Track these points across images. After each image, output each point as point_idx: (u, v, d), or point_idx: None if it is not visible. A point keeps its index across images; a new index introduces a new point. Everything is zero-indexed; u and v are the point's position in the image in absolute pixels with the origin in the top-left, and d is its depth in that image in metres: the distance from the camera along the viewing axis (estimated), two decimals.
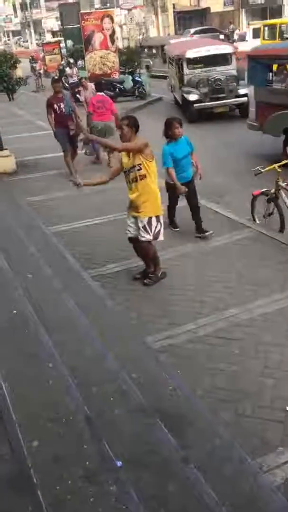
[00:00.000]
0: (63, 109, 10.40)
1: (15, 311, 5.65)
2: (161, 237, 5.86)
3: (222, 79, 15.88)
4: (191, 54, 16.84)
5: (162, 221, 5.82)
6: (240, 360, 4.56)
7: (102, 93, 11.99)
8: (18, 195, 9.90)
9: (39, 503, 3.30)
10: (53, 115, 10.59)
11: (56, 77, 10.09)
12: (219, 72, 16.38)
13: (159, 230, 5.79)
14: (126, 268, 6.45)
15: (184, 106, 16.66)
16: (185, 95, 16.24)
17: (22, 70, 25.68)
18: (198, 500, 3.24)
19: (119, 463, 3.53)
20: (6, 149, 11.86)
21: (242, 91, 15.85)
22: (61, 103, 10.37)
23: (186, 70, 16.85)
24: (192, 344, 4.85)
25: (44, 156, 12.88)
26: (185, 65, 16.86)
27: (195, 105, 15.96)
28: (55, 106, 10.39)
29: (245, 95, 15.74)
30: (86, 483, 3.40)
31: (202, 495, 3.26)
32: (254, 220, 7.58)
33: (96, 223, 8.07)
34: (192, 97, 16.01)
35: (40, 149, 13.73)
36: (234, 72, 16.43)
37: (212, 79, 15.90)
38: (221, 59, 16.83)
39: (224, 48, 17.21)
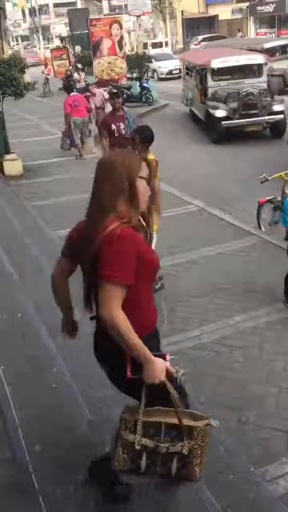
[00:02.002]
0: (123, 130, 8.20)
1: (19, 314, 5.65)
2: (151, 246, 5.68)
3: (255, 93, 13.79)
4: (217, 64, 14.79)
5: (155, 236, 5.67)
6: (244, 368, 4.54)
7: (76, 93, 13.88)
8: (24, 199, 9.93)
9: (40, 508, 3.28)
10: (107, 138, 8.30)
11: (115, 91, 7.89)
12: (248, 85, 14.44)
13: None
14: None
15: (209, 123, 14.59)
16: (211, 111, 14.14)
17: (30, 75, 25.89)
18: (200, 508, 3.21)
19: None
20: (14, 152, 11.92)
21: (277, 107, 13.82)
22: (121, 123, 8.23)
23: (210, 82, 14.86)
24: (195, 351, 4.83)
25: (50, 161, 12.94)
26: (209, 76, 14.89)
27: (223, 122, 13.73)
28: (113, 126, 8.19)
29: (281, 112, 13.79)
30: (87, 488, 3.38)
31: (204, 502, 3.24)
32: (260, 227, 7.57)
33: None
34: (220, 113, 13.81)
35: (47, 153, 13.79)
36: (265, 86, 14.64)
37: (244, 93, 13.74)
38: (251, 71, 15.18)
39: (255, 58, 15.30)
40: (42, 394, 4.34)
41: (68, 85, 15.10)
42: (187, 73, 18.00)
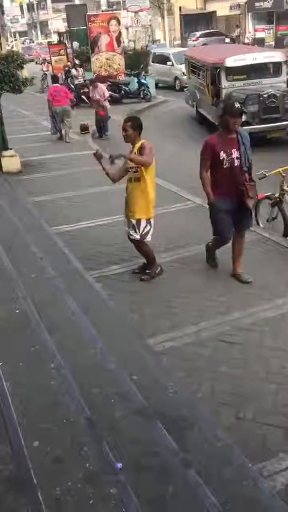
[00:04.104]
0: (236, 161, 5.64)
1: (17, 311, 5.65)
2: (148, 238, 6.01)
3: (277, 95, 12.37)
4: (232, 62, 13.33)
5: (152, 223, 5.98)
6: (242, 364, 4.55)
7: (57, 84, 15.04)
8: (22, 195, 9.92)
9: (39, 504, 3.28)
10: (208, 171, 5.83)
11: (238, 105, 5.64)
12: (266, 85, 13.03)
13: (148, 231, 5.96)
14: (129, 269, 6.44)
15: None
16: None
17: (28, 70, 25.81)
18: (198, 504, 3.23)
19: (119, 465, 3.52)
20: (11, 149, 11.90)
21: None
22: (234, 150, 5.62)
23: (224, 83, 13.40)
24: (193, 347, 4.83)
25: (48, 156, 12.93)
26: (223, 76, 13.42)
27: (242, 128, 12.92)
28: (221, 155, 5.60)
29: None
30: (86, 485, 3.39)
31: (202, 499, 3.25)
32: (258, 224, 7.57)
33: (99, 224, 8.07)
34: None
35: (45, 149, 13.78)
36: (284, 86, 13.36)
37: (265, 95, 12.34)
38: (269, 70, 13.89)
39: (274, 56, 13.98)
40: (40, 390, 4.35)
41: (54, 77, 15.96)
42: (193, 72, 16.72)
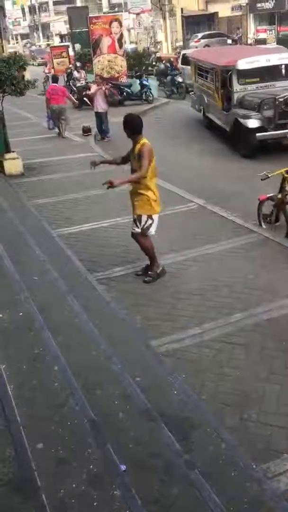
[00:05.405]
0: None
1: (20, 313, 5.66)
2: (152, 232, 6.17)
3: None
4: (244, 64, 12.59)
5: (155, 218, 6.11)
6: (245, 365, 4.55)
7: (55, 84, 15.76)
8: (24, 198, 9.93)
9: (43, 506, 3.29)
10: None
11: None
12: (280, 88, 12.33)
13: (149, 225, 6.10)
14: (132, 271, 6.45)
15: (238, 134, 12.40)
16: (242, 120, 11.93)
17: (30, 72, 25.87)
18: (202, 505, 3.23)
19: (123, 467, 3.52)
20: (14, 151, 11.92)
21: None
22: None
23: (236, 86, 12.70)
24: (197, 348, 4.84)
25: (50, 159, 12.94)
26: (234, 79, 12.69)
27: (257, 134, 11.61)
28: None
29: None
30: (90, 487, 3.40)
31: (206, 500, 3.25)
32: (260, 225, 7.57)
33: (102, 226, 8.08)
34: (253, 123, 11.63)
35: (47, 151, 13.79)
36: None
37: (281, 99, 11.62)
38: (280, 72, 13.08)
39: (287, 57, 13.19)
40: (44, 392, 4.36)
41: (54, 77, 16.72)
42: (200, 74, 15.98)
